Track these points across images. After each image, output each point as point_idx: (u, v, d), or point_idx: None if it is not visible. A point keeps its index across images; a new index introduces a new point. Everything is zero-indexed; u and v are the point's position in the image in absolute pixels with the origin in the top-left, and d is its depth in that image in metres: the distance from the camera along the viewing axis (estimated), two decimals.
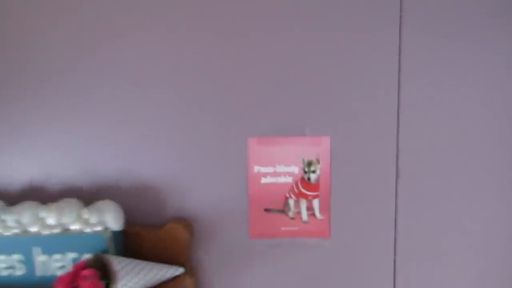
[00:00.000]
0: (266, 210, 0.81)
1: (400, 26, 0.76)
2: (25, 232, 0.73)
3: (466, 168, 0.79)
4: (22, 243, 0.73)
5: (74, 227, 0.73)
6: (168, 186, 0.80)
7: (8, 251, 0.73)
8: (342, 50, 0.77)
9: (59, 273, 0.72)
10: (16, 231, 0.73)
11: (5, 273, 0.74)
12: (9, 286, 0.73)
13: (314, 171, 0.79)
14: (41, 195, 0.80)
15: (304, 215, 0.81)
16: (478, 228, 0.80)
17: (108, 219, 0.74)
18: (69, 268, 0.71)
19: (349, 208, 0.80)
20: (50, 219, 0.73)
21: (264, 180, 0.80)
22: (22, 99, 0.79)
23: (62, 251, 0.73)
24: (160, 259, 0.76)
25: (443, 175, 0.79)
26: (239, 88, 0.79)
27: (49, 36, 0.78)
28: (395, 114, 0.79)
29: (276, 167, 0.80)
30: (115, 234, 0.75)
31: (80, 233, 0.73)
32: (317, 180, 0.80)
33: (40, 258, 0.74)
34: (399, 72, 0.77)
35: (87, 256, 0.73)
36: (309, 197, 0.80)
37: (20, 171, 0.80)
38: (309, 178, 0.79)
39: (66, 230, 0.74)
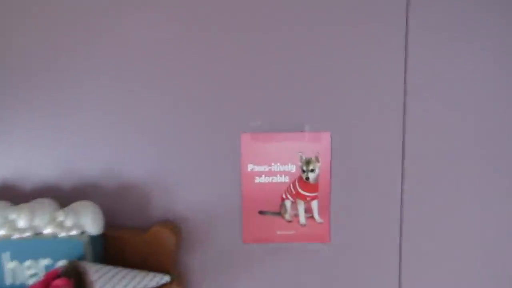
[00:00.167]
0: (261, 212, 0.79)
1: (407, 16, 0.75)
2: None
3: (477, 168, 0.78)
4: None
5: (47, 230, 0.70)
6: (154, 186, 0.79)
7: None
8: (344, 39, 0.76)
9: (31, 281, 0.70)
10: None
11: None
12: None
13: (313, 170, 0.78)
14: (13, 194, 0.78)
15: (302, 218, 0.80)
16: (489, 235, 0.79)
17: (85, 221, 0.71)
18: (41, 276, 0.69)
19: (350, 210, 0.79)
20: (20, 221, 0.70)
21: (258, 180, 0.78)
22: None
23: (34, 257, 0.71)
24: (144, 265, 0.74)
25: (452, 174, 0.78)
26: (231, 80, 0.77)
27: (28, 29, 0.77)
28: (401, 109, 0.77)
29: (272, 166, 0.78)
30: (93, 238, 0.72)
31: (54, 237, 0.70)
32: (316, 180, 0.78)
33: (9, 265, 0.71)
34: (405, 64, 0.76)
35: (61, 263, 0.70)
36: (308, 198, 0.79)
37: None
38: (307, 178, 0.78)
39: (38, 234, 0.71)
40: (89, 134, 0.78)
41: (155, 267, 0.74)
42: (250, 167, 0.78)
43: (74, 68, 0.77)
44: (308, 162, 0.78)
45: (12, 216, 0.71)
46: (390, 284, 0.81)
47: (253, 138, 0.78)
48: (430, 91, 0.77)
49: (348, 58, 0.76)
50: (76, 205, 0.73)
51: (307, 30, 0.76)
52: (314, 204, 0.79)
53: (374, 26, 0.75)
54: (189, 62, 0.77)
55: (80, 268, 0.66)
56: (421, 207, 0.79)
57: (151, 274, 0.71)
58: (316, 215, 0.79)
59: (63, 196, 0.77)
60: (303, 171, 0.78)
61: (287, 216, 0.80)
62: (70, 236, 0.70)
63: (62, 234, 0.70)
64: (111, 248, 0.75)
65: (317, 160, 0.78)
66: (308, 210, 0.79)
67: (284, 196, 0.79)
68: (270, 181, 0.79)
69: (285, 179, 0.79)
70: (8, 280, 0.72)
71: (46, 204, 0.73)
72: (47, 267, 0.71)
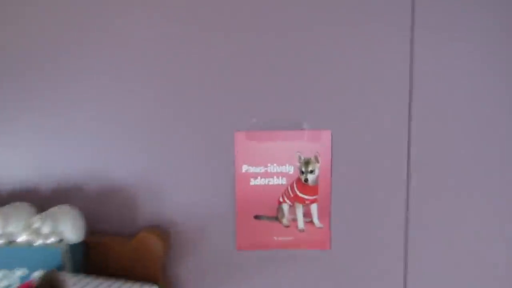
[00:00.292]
0: (256, 217, 0.79)
1: (412, 10, 0.75)
2: None
3: (484, 168, 0.78)
4: None
5: (22, 238, 0.69)
6: (141, 188, 0.78)
7: None
8: (345, 32, 0.76)
9: None
10: None
11: None
12: None
13: (312, 171, 0.77)
14: None
15: (301, 222, 0.79)
16: (498, 240, 0.79)
17: (64, 228, 0.70)
18: None
19: (352, 214, 0.79)
20: None
21: (253, 182, 0.78)
22: None
23: (7, 267, 0.69)
24: (130, 275, 0.73)
25: (460, 175, 0.78)
26: (225, 74, 0.77)
27: (2, 28, 0.77)
28: (406, 106, 0.77)
29: (268, 167, 0.78)
30: (73, 246, 0.71)
31: (29, 246, 0.69)
32: (316, 181, 0.78)
33: None
34: (411, 59, 0.76)
35: (37, 274, 0.68)
36: (307, 202, 0.79)
37: None
38: (306, 180, 0.78)
39: (12, 242, 0.70)
40: (70, 132, 0.78)
41: (142, 277, 0.73)
42: (244, 168, 0.77)
43: (54, 68, 0.77)
44: (307, 163, 0.77)
45: None
46: None
47: (248, 136, 0.77)
48: (437, 87, 0.76)
49: (350, 50, 0.76)
50: (54, 210, 0.71)
51: (306, 24, 0.76)
52: (314, 208, 0.79)
53: (377, 20, 0.75)
54: (178, 54, 0.76)
55: (57, 280, 0.62)
56: (429, 211, 0.78)
57: (137, 284, 0.71)
58: (315, 220, 0.79)
59: (42, 200, 0.77)
60: (302, 172, 0.77)
61: (285, 221, 0.79)
62: (47, 244, 0.68)
63: (39, 242, 0.69)
64: (93, 257, 0.74)
65: (317, 161, 0.77)
66: (307, 214, 0.79)
67: (281, 199, 0.78)
68: (266, 183, 0.78)
69: (283, 181, 0.78)
70: None
71: (22, 208, 0.72)
72: (22, 278, 0.69)
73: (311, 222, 0.79)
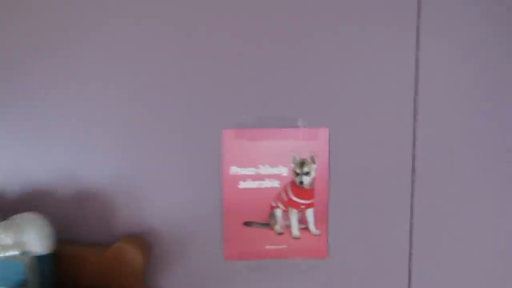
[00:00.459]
0: (246, 223, 0.78)
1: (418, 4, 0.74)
2: None
3: (490, 169, 0.77)
4: None
5: None
6: (118, 193, 0.76)
7: None
8: (346, 26, 0.75)
9: None
10: None
11: None
12: None
13: (307, 173, 0.76)
14: None
15: (295, 229, 0.78)
16: (505, 244, 0.78)
17: (28, 238, 0.65)
18: None
19: (352, 220, 0.78)
20: None
21: (243, 185, 0.77)
22: None
23: None
24: None
25: (467, 178, 0.77)
26: (211, 67, 0.75)
27: None
28: (411, 102, 0.76)
29: (259, 168, 0.77)
30: (40, 258, 0.66)
31: None
32: (312, 184, 0.77)
33: None
34: (416, 52, 0.75)
35: None
36: (302, 207, 0.78)
37: None
38: (301, 182, 0.77)
39: None
40: (39, 130, 0.75)
41: None
42: (233, 169, 0.76)
43: (23, 61, 0.75)
44: (302, 164, 0.76)
45: None
46: None
47: (237, 135, 0.76)
48: (443, 85, 0.76)
49: (350, 44, 0.75)
50: (17, 218, 0.66)
51: (304, 17, 0.75)
52: (310, 213, 0.78)
53: (380, 15, 0.75)
54: (161, 46, 0.74)
55: None
56: (434, 216, 0.77)
57: None
58: (311, 226, 0.78)
59: (6, 207, 0.74)
60: (297, 174, 0.77)
61: (278, 228, 0.78)
62: (8, 257, 0.64)
63: None
64: (65, 270, 0.71)
65: (313, 161, 0.77)
66: (302, 220, 0.78)
67: (273, 204, 0.77)
68: (257, 186, 0.77)
69: (275, 184, 0.77)
70: None
71: None
72: None
73: (307, 228, 0.78)
